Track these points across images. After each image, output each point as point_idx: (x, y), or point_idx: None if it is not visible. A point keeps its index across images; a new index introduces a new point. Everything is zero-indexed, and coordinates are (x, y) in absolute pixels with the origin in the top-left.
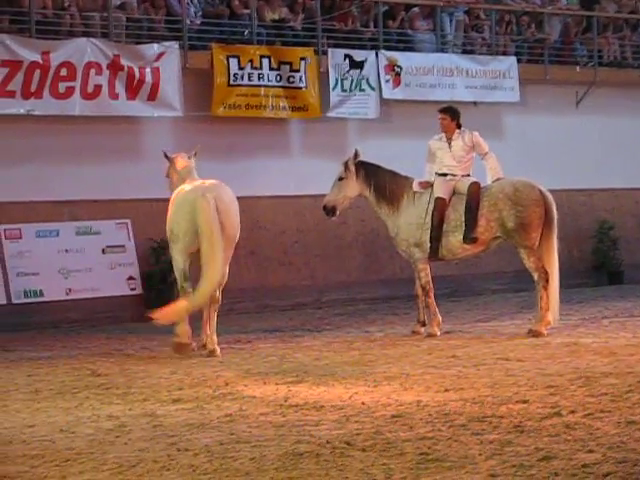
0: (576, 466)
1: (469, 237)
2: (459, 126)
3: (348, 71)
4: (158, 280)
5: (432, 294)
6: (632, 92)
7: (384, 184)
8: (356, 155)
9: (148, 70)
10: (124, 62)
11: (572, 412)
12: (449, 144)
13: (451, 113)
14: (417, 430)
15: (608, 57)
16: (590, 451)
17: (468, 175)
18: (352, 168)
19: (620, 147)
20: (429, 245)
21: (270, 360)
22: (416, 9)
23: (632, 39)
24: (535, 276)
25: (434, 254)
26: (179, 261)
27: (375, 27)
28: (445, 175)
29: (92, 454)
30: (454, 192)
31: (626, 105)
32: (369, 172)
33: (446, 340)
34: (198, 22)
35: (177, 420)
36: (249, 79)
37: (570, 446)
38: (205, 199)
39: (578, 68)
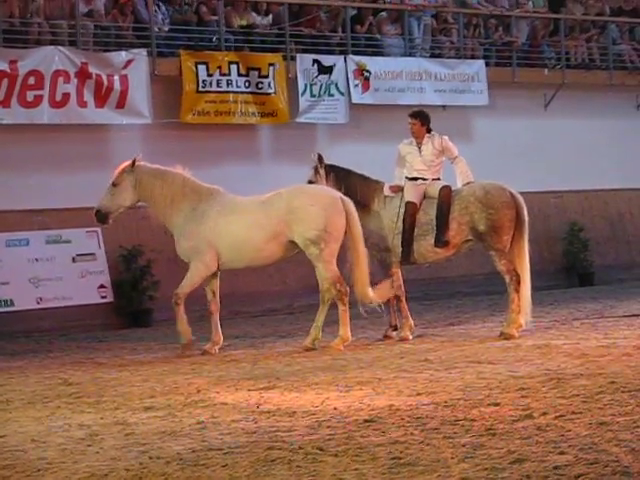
0: (548, 468)
1: (441, 241)
2: (429, 130)
3: (317, 76)
4: (129, 288)
5: (404, 298)
6: (600, 94)
7: (355, 188)
8: (320, 159)
9: (116, 77)
10: (92, 70)
11: (543, 414)
12: (419, 148)
13: (421, 118)
14: (389, 434)
15: (576, 59)
16: (562, 453)
17: (438, 179)
18: (322, 172)
19: (589, 149)
20: (401, 249)
21: (242, 366)
22: (384, 14)
23: (599, 41)
24: (506, 279)
25: (406, 258)
26: (334, 263)
27: (343, 32)
28: (415, 179)
29: (64, 464)
30: (425, 196)
31: (594, 107)
32: (339, 176)
33: (418, 344)
34: (166, 29)
35: (149, 428)
36: (218, 85)
37: (542, 448)
38: (351, 202)
39: (546, 71)
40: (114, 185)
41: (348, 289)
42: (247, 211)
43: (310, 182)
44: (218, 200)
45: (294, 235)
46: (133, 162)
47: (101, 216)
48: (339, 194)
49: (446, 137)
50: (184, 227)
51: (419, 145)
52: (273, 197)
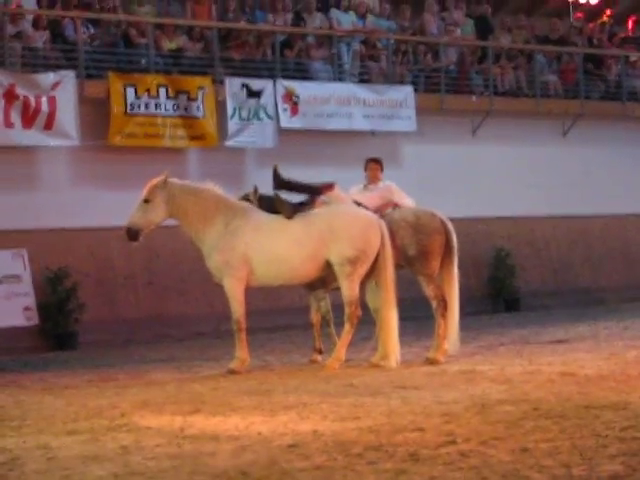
0: None
1: None
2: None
3: (246, 100)
4: (55, 310)
5: (332, 323)
6: (527, 121)
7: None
8: (256, 191)
9: (44, 99)
10: (20, 91)
11: (467, 440)
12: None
13: (381, 163)
14: (313, 460)
15: (503, 87)
16: (484, 479)
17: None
18: (255, 202)
19: (516, 175)
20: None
21: (167, 390)
22: (313, 38)
23: (526, 69)
24: (434, 304)
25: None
26: (358, 284)
27: (272, 56)
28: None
29: None
30: None
31: (522, 134)
32: (270, 204)
33: (343, 369)
34: (95, 51)
35: (72, 452)
36: (146, 108)
37: (464, 474)
38: (384, 223)
39: (474, 97)
40: (146, 201)
41: (360, 313)
42: (286, 229)
43: None
44: (253, 216)
45: (331, 254)
46: (165, 178)
47: (133, 234)
48: (376, 216)
49: (394, 184)
50: (217, 242)
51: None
52: (312, 217)
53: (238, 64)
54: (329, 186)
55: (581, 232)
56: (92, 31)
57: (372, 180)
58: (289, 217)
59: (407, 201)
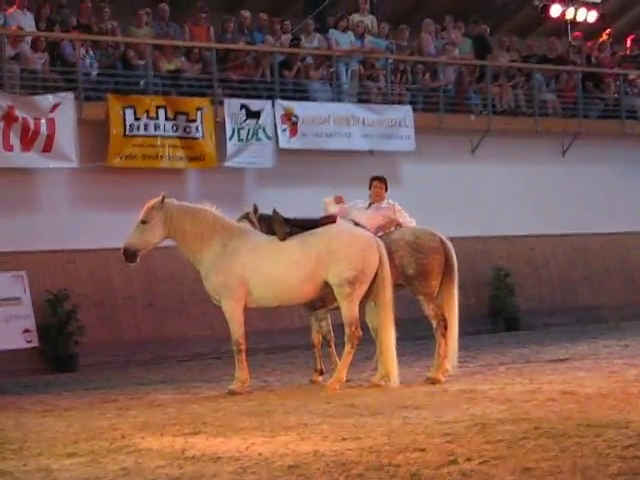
0: None
1: None
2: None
3: (245, 121)
4: (55, 332)
5: (333, 343)
6: (526, 140)
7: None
8: (256, 210)
9: (43, 121)
10: (19, 113)
11: (468, 459)
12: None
13: (385, 182)
14: None
15: (502, 106)
16: None
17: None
18: (255, 221)
19: (515, 194)
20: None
21: (168, 412)
22: (311, 59)
23: (524, 88)
24: (434, 323)
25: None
26: (357, 304)
27: (271, 77)
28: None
29: None
30: None
31: (521, 153)
32: (270, 224)
33: (344, 389)
34: (94, 73)
35: (72, 475)
36: (145, 129)
37: None
38: (382, 243)
39: (473, 117)
40: (143, 222)
41: (361, 334)
42: (283, 250)
43: None
44: (250, 238)
45: (329, 275)
46: (162, 198)
47: (130, 254)
48: (374, 235)
49: (397, 204)
50: (214, 263)
51: (373, 208)
52: (310, 237)
53: (237, 85)
54: (331, 219)
55: (580, 250)
56: (91, 53)
57: (376, 199)
58: (282, 239)
59: (409, 221)
